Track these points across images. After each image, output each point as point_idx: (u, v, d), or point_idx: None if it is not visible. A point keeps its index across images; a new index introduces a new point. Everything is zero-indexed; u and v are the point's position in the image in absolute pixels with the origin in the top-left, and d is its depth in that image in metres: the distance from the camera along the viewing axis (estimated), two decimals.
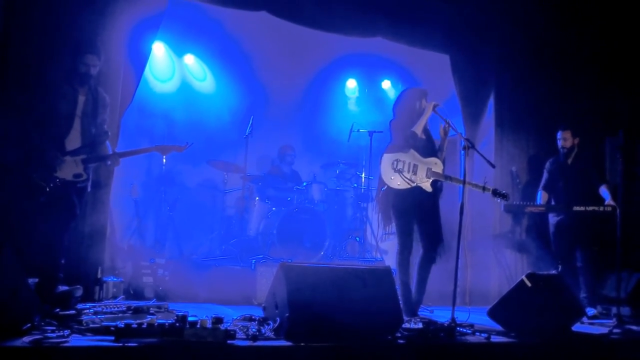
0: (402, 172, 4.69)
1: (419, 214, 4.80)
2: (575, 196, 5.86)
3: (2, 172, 4.25)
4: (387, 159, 4.77)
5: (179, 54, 7.68)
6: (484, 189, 4.73)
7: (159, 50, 7.35)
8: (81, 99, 4.35)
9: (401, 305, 3.96)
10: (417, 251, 4.90)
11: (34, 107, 4.28)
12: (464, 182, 4.51)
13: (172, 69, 7.62)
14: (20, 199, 4.16)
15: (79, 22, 4.90)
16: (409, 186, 4.70)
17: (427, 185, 4.74)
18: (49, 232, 4.16)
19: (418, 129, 4.75)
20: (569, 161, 6.03)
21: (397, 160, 4.71)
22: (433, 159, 4.81)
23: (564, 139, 6.00)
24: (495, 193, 4.74)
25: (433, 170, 4.76)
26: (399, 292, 4.35)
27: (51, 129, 4.23)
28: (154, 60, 7.24)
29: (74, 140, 4.30)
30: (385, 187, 4.78)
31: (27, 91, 4.49)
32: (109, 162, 4.49)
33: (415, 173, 4.71)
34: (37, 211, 4.13)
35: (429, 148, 4.87)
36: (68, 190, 4.23)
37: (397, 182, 4.70)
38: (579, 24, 7.04)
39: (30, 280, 3.77)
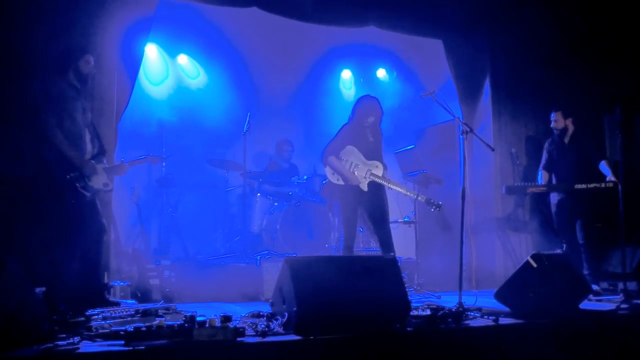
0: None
1: (365, 210, 5.12)
2: (576, 174, 5.88)
3: (17, 183, 4.20)
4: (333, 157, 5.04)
5: (172, 54, 7.65)
6: (417, 196, 5.04)
7: (151, 52, 7.32)
8: (80, 105, 4.28)
9: None
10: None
11: (50, 113, 4.10)
12: (401, 188, 5.07)
13: (166, 70, 7.59)
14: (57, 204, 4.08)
15: (71, 29, 4.87)
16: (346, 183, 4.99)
17: (363, 185, 5.00)
18: (81, 243, 4.14)
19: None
20: (566, 140, 6.08)
21: (341, 159, 4.99)
22: (375, 162, 5.08)
23: (555, 121, 6.14)
24: (429, 202, 4.96)
25: (372, 172, 5.02)
26: None
27: (70, 136, 4.13)
28: (147, 63, 7.21)
29: (88, 149, 4.27)
30: (327, 180, 5.09)
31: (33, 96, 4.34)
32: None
33: (354, 172, 4.97)
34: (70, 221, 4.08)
35: (375, 151, 5.13)
36: (94, 200, 4.22)
37: (336, 178, 5.00)
38: (572, 4, 7.00)
39: (38, 290, 3.78)
